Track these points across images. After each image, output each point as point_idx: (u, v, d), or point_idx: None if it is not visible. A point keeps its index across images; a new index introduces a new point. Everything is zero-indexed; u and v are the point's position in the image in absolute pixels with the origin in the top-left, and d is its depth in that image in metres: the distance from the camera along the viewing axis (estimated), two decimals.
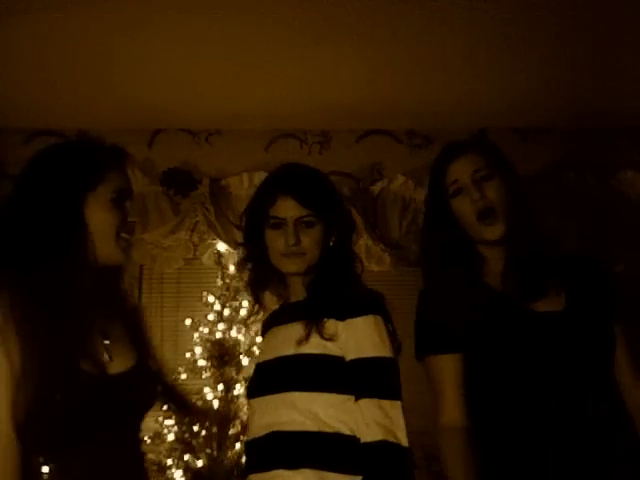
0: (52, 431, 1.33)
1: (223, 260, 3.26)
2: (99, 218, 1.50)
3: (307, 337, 1.61)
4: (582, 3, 2.46)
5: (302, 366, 1.62)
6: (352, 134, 3.46)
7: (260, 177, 3.25)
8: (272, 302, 1.85)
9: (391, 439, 1.50)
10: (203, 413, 2.85)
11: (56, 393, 1.32)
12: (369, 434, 1.51)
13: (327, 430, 1.56)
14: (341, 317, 1.61)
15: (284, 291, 1.81)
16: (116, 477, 1.40)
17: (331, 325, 1.61)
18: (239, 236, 3.23)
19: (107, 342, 1.48)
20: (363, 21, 2.55)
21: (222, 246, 3.31)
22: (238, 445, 2.84)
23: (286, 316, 1.74)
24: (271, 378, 1.67)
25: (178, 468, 2.85)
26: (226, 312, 3.08)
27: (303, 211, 1.70)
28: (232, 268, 3.20)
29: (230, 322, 3.07)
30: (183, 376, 2.93)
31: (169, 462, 2.86)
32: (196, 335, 3.05)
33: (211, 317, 3.08)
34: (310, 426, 1.56)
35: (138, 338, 1.59)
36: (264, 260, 1.76)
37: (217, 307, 3.08)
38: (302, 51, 2.74)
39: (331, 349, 1.60)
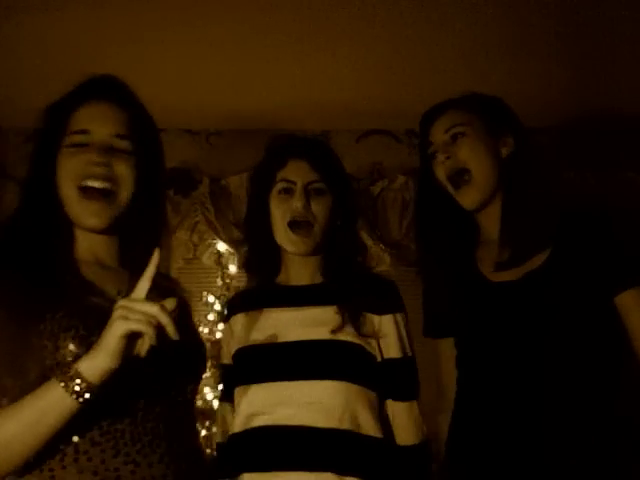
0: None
1: (223, 260, 3.26)
2: (59, 171, 1.28)
3: (343, 325, 1.49)
4: (582, 3, 2.46)
5: (343, 353, 1.49)
6: (352, 134, 3.46)
7: None
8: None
9: (424, 438, 1.52)
10: None
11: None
12: (415, 436, 1.51)
13: (362, 432, 1.47)
14: (380, 311, 1.53)
15: (277, 273, 1.64)
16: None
17: (368, 320, 1.52)
18: (239, 236, 3.25)
19: None
20: (363, 21, 2.55)
21: (222, 246, 3.31)
22: None
23: (292, 299, 1.58)
24: (297, 363, 1.51)
25: None
26: (226, 312, 3.08)
27: (315, 175, 1.56)
28: (232, 268, 3.20)
29: None
30: None
31: None
32: None
33: (211, 317, 3.08)
34: (346, 424, 1.44)
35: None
36: (267, 238, 1.59)
37: (217, 307, 3.08)
38: (302, 51, 2.74)
39: (366, 342, 1.51)
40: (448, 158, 1.53)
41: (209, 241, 3.34)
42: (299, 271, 1.61)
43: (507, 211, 1.54)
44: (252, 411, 1.50)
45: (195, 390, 1.42)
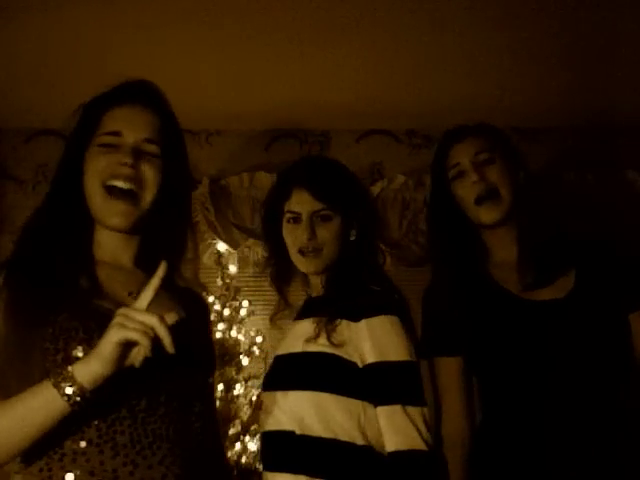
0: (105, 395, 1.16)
1: (223, 260, 3.25)
2: (87, 169, 1.30)
3: (316, 336, 1.54)
4: (582, 4, 2.46)
5: (308, 364, 1.55)
6: (352, 134, 3.46)
7: (260, 177, 3.27)
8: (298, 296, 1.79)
9: (418, 447, 1.45)
10: None
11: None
12: (395, 443, 1.47)
13: (340, 438, 1.50)
14: (355, 318, 1.54)
15: (307, 286, 1.74)
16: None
17: (343, 328, 1.54)
18: (239, 236, 3.26)
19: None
20: (363, 21, 2.55)
21: (222, 246, 3.31)
22: (238, 445, 2.84)
23: (304, 311, 1.68)
24: (280, 374, 1.61)
25: None
26: (226, 312, 3.08)
27: (318, 205, 1.62)
28: (232, 268, 3.20)
29: (230, 322, 3.06)
30: None
31: None
32: None
33: (211, 317, 3.07)
34: (319, 431, 1.50)
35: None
36: (285, 256, 1.69)
37: (217, 307, 3.08)
38: (302, 51, 2.74)
39: (342, 350, 1.52)
40: (481, 179, 1.65)
41: (209, 241, 3.34)
42: (315, 285, 1.70)
43: (524, 232, 1.66)
44: (263, 416, 1.63)
45: (208, 391, 1.42)
